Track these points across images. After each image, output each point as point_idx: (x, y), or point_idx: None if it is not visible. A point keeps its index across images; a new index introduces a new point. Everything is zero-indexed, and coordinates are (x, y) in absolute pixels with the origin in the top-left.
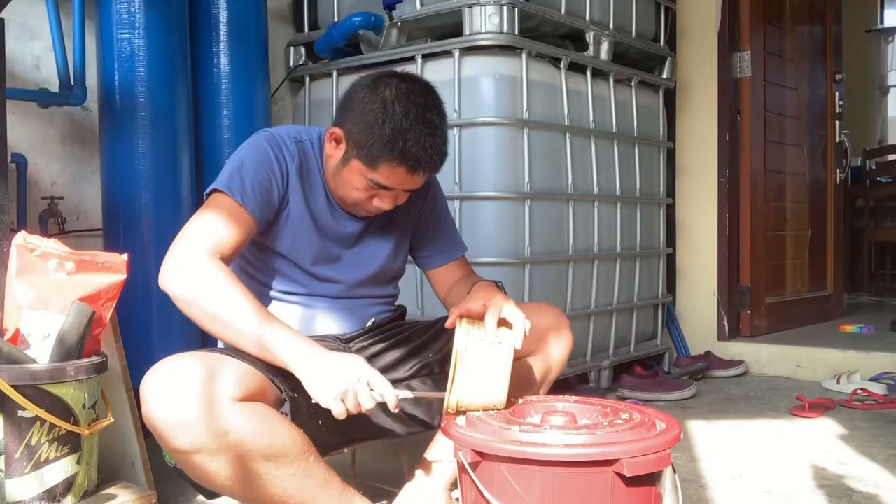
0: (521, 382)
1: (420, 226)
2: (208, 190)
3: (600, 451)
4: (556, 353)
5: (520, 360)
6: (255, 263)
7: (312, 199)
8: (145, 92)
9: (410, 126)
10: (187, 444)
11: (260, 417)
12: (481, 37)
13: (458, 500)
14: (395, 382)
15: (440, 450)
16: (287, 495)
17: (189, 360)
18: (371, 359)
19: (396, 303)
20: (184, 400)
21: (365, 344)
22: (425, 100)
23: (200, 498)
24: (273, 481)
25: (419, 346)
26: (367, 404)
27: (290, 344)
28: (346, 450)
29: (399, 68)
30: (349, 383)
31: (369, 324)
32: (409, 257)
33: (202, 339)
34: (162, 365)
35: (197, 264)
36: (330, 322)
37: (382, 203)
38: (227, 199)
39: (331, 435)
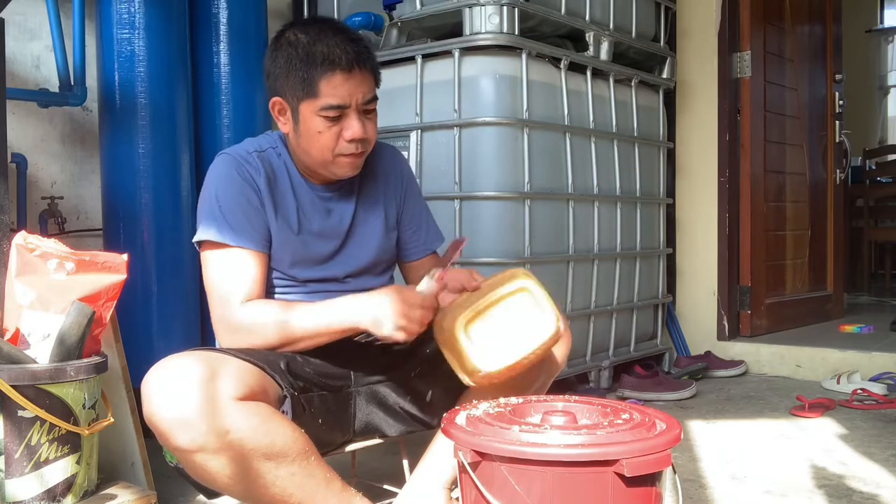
0: (520, 383)
1: (402, 215)
2: (198, 239)
3: (600, 451)
4: (554, 353)
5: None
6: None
7: (289, 205)
8: (145, 92)
9: (317, 37)
10: (188, 443)
11: (261, 416)
12: (481, 37)
13: (457, 499)
14: (397, 379)
15: (440, 449)
16: (287, 494)
17: (190, 359)
18: (373, 354)
19: None
20: (185, 398)
21: (370, 338)
22: (317, 20)
23: (200, 498)
24: (274, 480)
25: (417, 342)
26: (420, 326)
27: (354, 314)
28: (346, 449)
29: (399, 68)
30: (402, 315)
31: None
32: None
33: (202, 339)
34: (163, 364)
35: (238, 321)
36: None
37: (353, 131)
38: (226, 252)
39: (331, 434)
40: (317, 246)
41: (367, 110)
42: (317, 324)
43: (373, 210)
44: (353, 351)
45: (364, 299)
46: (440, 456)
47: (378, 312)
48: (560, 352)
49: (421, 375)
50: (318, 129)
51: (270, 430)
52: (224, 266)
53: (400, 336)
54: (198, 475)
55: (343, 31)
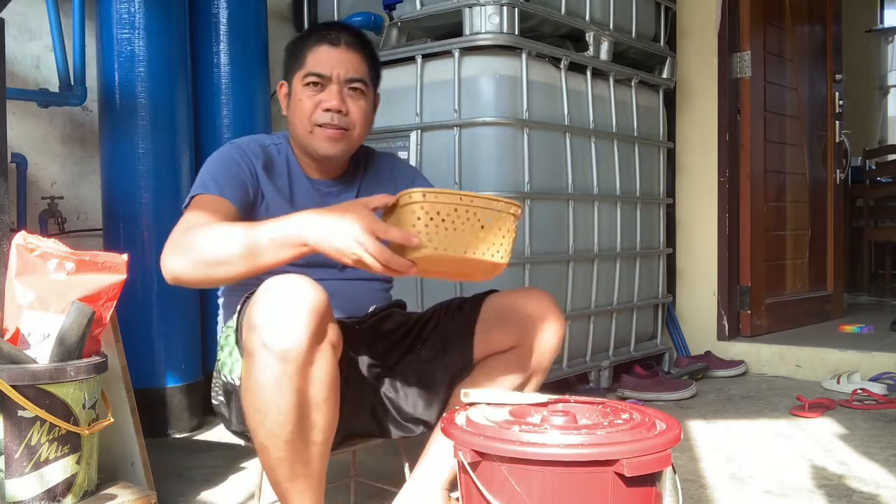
0: (507, 376)
1: None
2: (184, 205)
3: (600, 451)
4: (544, 342)
5: (504, 352)
6: None
7: (287, 191)
8: (145, 92)
9: (321, 25)
10: (283, 346)
11: (333, 384)
12: (481, 37)
13: (457, 499)
14: (387, 374)
15: (437, 449)
16: (288, 464)
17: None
18: (370, 346)
19: (392, 293)
20: (300, 313)
21: (366, 330)
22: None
23: (200, 498)
24: (304, 444)
25: (412, 339)
26: (379, 270)
27: (297, 225)
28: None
29: (399, 68)
30: (357, 251)
31: (371, 310)
32: None
33: (203, 339)
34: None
35: (179, 237)
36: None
37: (329, 100)
38: (203, 196)
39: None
40: None
41: (352, 88)
42: (256, 235)
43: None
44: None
45: (312, 212)
46: (437, 457)
47: (326, 228)
48: (549, 341)
49: (413, 369)
50: (300, 97)
51: (333, 399)
52: (196, 207)
53: (348, 259)
54: (257, 395)
55: (349, 26)
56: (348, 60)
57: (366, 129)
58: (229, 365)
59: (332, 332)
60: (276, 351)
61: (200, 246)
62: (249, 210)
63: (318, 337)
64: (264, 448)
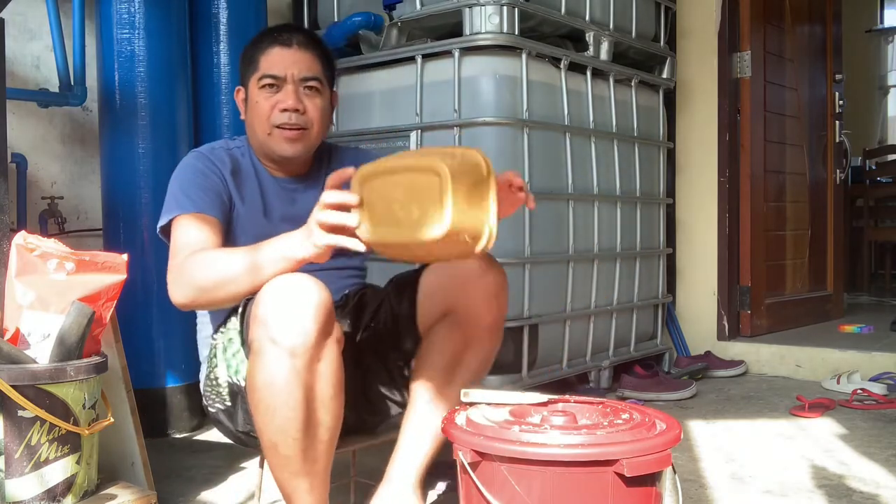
0: (443, 346)
1: None
2: (161, 224)
3: (600, 451)
4: (476, 300)
5: (440, 321)
6: None
7: (258, 194)
8: (145, 92)
9: (266, 29)
10: (292, 341)
11: (339, 381)
12: (481, 37)
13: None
14: (371, 370)
15: (407, 447)
16: (295, 462)
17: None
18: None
19: (366, 279)
20: (307, 309)
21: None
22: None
23: (200, 498)
24: (310, 441)
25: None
26: (335, 219)
27: (289, 245)
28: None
29: (399, 68)
30: (316, 226)
31: (341, 297)
32: None
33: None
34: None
35: (181, 267)
36: None
37: (285, 101)
38: (184, 218)
39: None
40: (284, 230)
41: (308, 87)
42: (235, 264)
43: None
44: None
45: (284, 236)
46: (407, 455)
47: (292, 238)
48: (480, 299)
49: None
50: (256, 99)
51: (339, 394)
52: (183, 230)
53: (320, 245)
54: (263, 390)
55: (300, 27)
56: (301, 60)
57: (324, 126)
58: (234, 366)
59: (337, 329)
60: (286, 346)
61: (203, 274)
62: (228, 217)
63: (325, 332)
64: (273, 446)
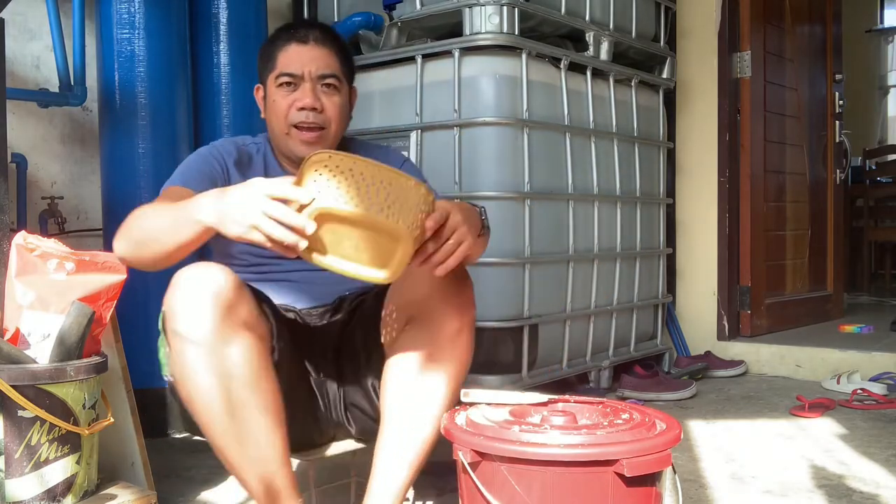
0: (404, 359)
1: None
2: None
3: (600, 451)
4: (449, 312)
5: (403, 331)
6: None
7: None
8: (145, 92)
9: (283, 26)
10: (193, 331)
11: (258, 359)
12: (481, 37)
13: None
14: (360, 371)
15: (385, 464)
16: (232, 445)
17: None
18: (337, 335)
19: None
20: (205, 298)
21: (329, 319)
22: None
23: (200, 498)
24: (242, 422)
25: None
26: (278, 234)
27: (197, 203)
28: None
29: (399, 68)
30: (254, 218)
31: (335, 299)
32: None
33: None
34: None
35: (126, 220)
36: (294, 295)
37: (303, 99)
38: (168, 188)
39: (310, 433)
40: None
41: (326, 85)
42: (161, 219)
43: None
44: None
45: (216, 191)
46: (385, 470)
47: (226, 206)
48: (457, 314)
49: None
50: (274, 98)
51: (259, 371)
52: (159, 197)
53: (252, 239)
54: (187, 382)
55: (318, 23)
56: (319, 57)
57: (342, 124)
58: (167, 364)
59: (249, 314)
60: (188, 337)
61: (136, 225)
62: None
63: (227, 319)
64: (207, 431)
